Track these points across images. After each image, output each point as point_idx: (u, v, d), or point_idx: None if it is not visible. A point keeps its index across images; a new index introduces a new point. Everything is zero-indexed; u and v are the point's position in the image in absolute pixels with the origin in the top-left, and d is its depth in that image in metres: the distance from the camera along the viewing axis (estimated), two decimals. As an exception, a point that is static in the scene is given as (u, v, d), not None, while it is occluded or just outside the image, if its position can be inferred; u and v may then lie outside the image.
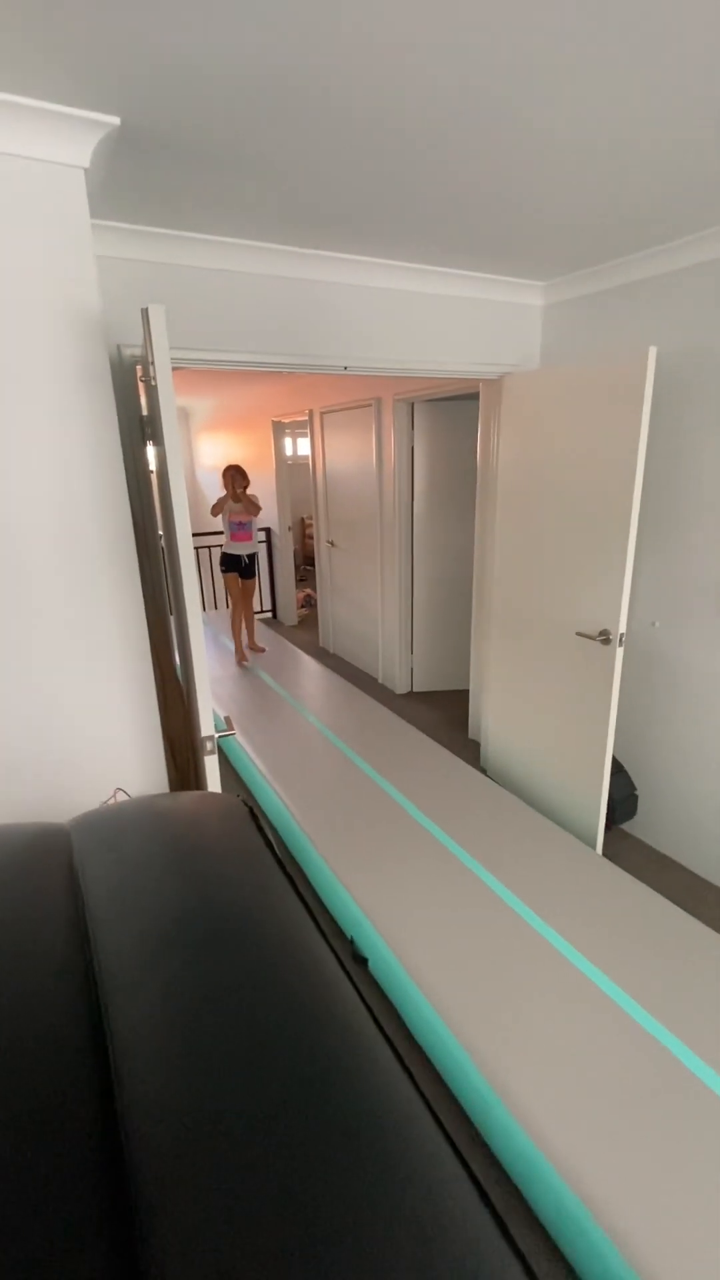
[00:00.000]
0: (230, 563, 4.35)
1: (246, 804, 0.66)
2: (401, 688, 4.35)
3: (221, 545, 4.42)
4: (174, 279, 1.97)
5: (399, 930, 1.86)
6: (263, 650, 4.52)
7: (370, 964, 1.88)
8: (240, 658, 4.37)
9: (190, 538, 1.40)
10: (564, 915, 1.91)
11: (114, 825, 0.67)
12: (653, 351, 1.96)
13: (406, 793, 2.60)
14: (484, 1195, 0.34)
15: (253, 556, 4.40)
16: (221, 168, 1.48)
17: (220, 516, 4.29)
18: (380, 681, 4.55)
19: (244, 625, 4.43)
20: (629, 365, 2.04)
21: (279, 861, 0.56)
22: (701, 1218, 1.17)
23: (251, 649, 4.51)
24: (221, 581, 4.75)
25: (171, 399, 1.31)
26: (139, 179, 1.53)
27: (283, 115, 1.26)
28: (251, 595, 4.43)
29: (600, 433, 2.20)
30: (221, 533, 5.96)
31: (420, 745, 3.04)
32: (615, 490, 2.15)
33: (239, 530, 4.26)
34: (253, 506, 4.28)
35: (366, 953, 1.90)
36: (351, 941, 1.99)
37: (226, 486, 4.22)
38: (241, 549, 4.34)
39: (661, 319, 2.21)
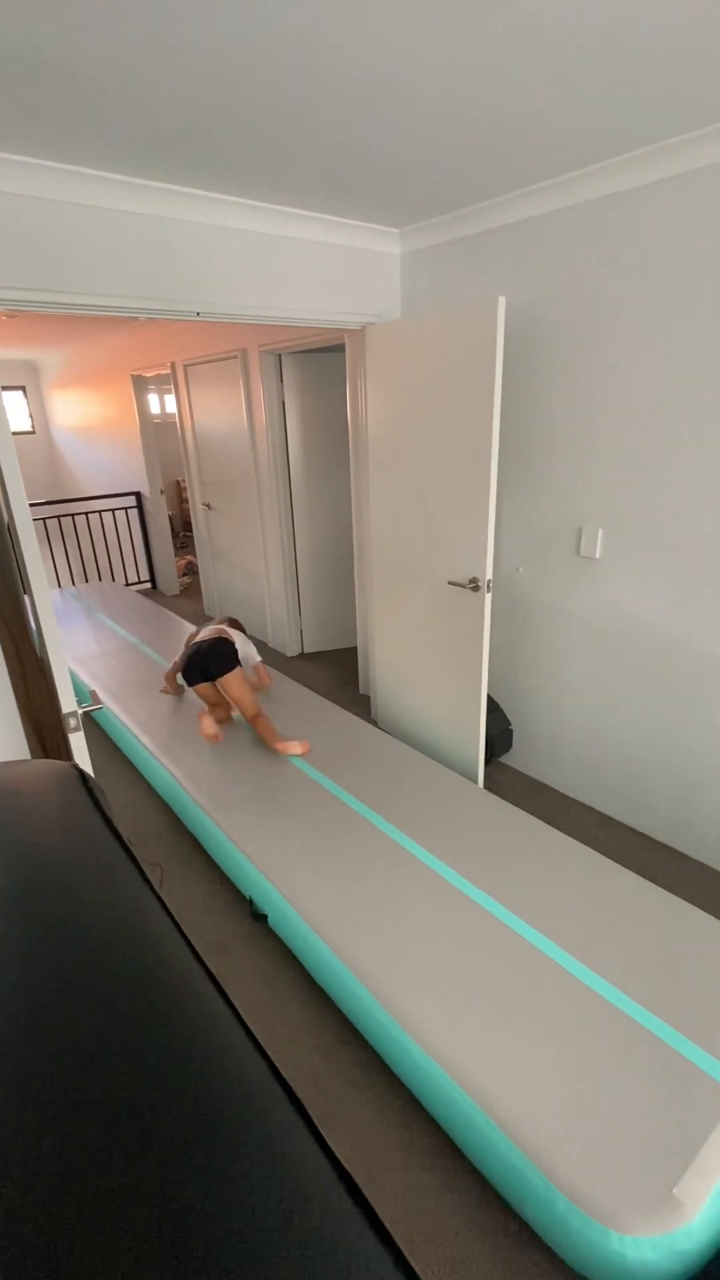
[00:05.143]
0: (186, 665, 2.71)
1: (77, 768, 0.64)
2: (292, 650, 4.34)
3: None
4: (-14, 206, 1.73)
5: (297, 884, 1.90)
6: (216, 736, 2.73)
7: (269, 919, 1.91)
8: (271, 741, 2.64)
9: (26, 504, 1.27)
10: (449, 847, 2.04)
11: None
12: (502, 301, 2.01)
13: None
14: (304, 1114, 0.36)
15: (210, 643, 2.71)
16: (41, 82, 1.30)
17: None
18: (270, 645, 4.52)
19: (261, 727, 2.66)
20: (480, 316, 2.09)
21: (107, 819, 0.54)
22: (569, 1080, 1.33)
23: (209, 736, 2.72)
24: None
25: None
26: None
27: (112, 28, 1.12)
28: (241, 692, 2.68)
29: (459, 384, 2.25)
30: (84, 498, 5.55)
31: (311, 704, 3.06)
32: (475, 441, 2.23)
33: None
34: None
35: (265, 909, 1.93)
36: (250, 901, 2.01)
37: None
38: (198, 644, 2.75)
39: (512, 269, 2.27)
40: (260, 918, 1.96)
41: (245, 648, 2.90)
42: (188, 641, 2.90)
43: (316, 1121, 0.38)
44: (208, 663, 2.68)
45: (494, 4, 1.12)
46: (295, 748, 2.61)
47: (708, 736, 2.14)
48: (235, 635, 2.88)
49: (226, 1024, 0.39)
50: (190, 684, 2.75)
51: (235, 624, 3.10)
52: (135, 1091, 0.34)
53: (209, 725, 2.71)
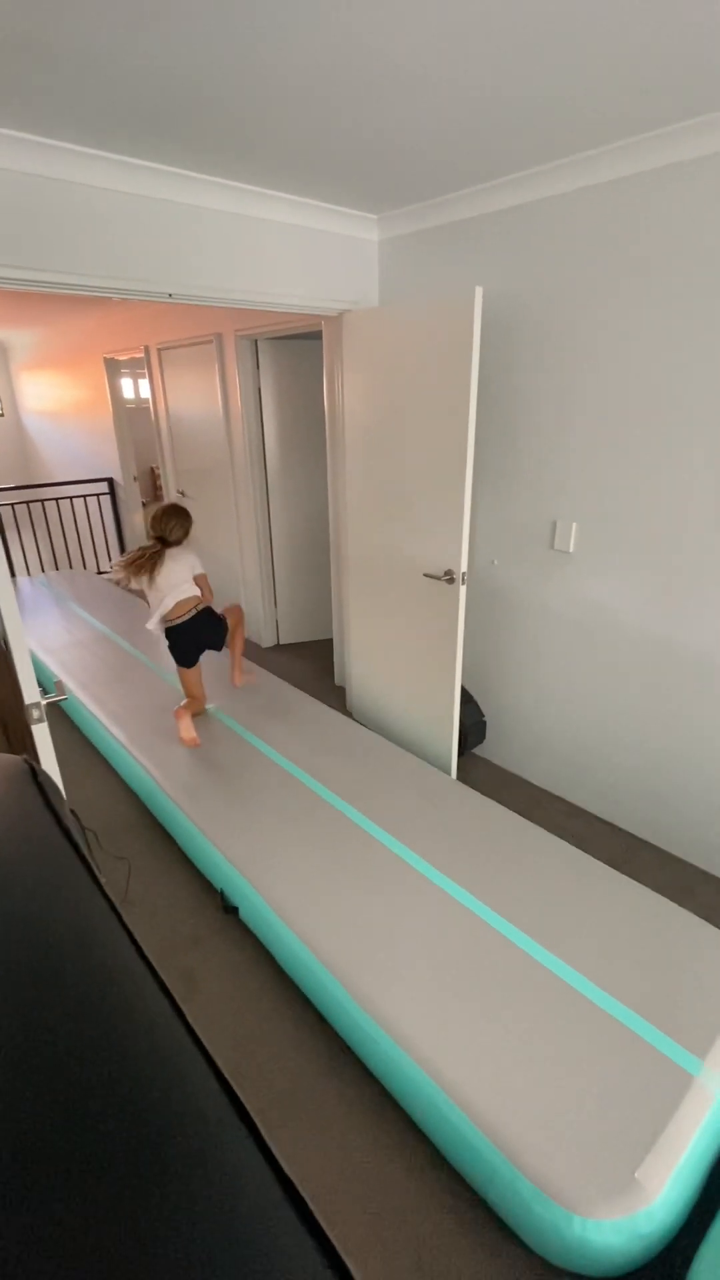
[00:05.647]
0: (180, 648, 2.62)
1: (27, 762, 0.61)
2: (268, 641, 4.30)
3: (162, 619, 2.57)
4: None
5: (269, 876, 1.88)
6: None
7: (240, 912, 1.90)
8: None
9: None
10: (422, 838, 2.04)
11: None
12: (479, 292, 2.00)
13: (273, 743, 2.60)
14: (240, 1107, 0.35)
15: (200, 620, 2.58)
16: (12, 53, 1.24)
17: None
18: (246, 637, 4.47)
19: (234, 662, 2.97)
20: (457, 306, 2.07)
21: (57, 816, 0.52)
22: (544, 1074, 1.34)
23: (190, 740, 2.61)
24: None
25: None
26: None
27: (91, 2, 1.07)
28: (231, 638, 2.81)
29: (436, 374, 2.23)
30: (55, 483, 5.41)
31: (285, 695, 3.04)
32: (452, 432, 2.21)
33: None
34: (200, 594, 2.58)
35: (236, 901, 1.91)
36: (221, 894, 1.99)
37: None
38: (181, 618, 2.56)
39: (493, 259, 2.26)
40: (231, 910, 1.95)
41: (196, 566, 2.57)
42: (125, 574, 2.48)
43: (255, 1116, 0.37)
44: (204, 640, 2.64)
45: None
46: (251, 678, 3.09)
47: (679, 729, 2.17)
48: (189, 563, 2.53)
49: (169, 1028, 0.37)
50: (188, 666, 2.68)
51: (182, 525, 2.52)
52: (64, 1102, 0.33)
53: (189, 729, 2.61)
